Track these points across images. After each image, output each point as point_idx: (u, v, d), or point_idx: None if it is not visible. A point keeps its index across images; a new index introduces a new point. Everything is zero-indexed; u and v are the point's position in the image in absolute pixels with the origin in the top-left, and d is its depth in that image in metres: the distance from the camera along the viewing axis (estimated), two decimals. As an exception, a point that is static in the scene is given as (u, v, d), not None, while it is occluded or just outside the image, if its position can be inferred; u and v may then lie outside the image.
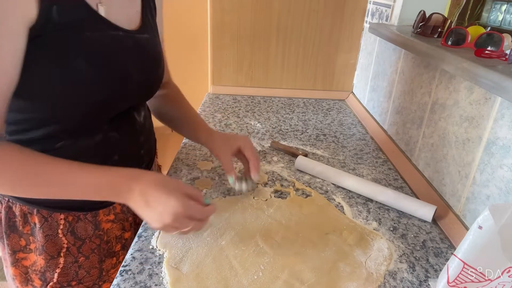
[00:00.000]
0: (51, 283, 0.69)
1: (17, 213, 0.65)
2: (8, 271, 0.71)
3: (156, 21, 0.75)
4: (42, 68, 0.52)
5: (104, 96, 0.59)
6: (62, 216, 0.66)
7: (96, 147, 0.63)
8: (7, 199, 0.64)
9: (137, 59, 0.63)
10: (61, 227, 0.66)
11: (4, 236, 0.67)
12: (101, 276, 0.73)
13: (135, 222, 0.78)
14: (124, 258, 0.73)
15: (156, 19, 0.75)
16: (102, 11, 0.56)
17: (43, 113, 0.57)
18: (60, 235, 0.66)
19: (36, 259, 0.68)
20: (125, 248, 0.75)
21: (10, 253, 0.68)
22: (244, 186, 0.73)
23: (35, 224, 0.65)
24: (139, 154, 0.73)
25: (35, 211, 0.64)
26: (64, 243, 0.67)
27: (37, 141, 0.59)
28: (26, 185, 0.54)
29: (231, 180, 0.73)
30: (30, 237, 0.66)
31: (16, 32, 0.48)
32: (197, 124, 0.83)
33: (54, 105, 0.56)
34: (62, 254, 0.67)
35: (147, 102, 0.77)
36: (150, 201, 0.53)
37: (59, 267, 0.68)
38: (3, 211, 0.65)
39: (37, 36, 0.50)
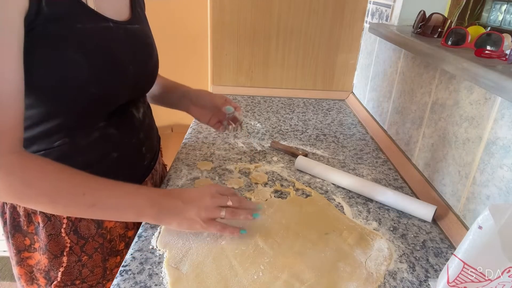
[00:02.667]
0: (55, 282, 0.69)
1: (21, 213, 0.65)
2: (15, 270, 0.71)
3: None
4: (38, 62, 0.52)
5: (100, 87, 0.59)
6: (65, 215, 0.66)
7: (94, 144, 0.63)
8: None
9: (130, 50, 0.64)
10: (64, 226, 0.66)
11: (9, 236, 0.67)
12: (105, 275, 0.73)
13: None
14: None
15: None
16: (91, 4, 0.57)
17: (41, 109, 0.57)
18: (63, 234, 0.66)
19: (40, 258, 0.68)
20: (129, 246, 0.75)
21: (15, 253, 0.68)
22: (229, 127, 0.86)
23: (38, 223, 0.65)
24: (140, 152, 0.73)
25: (38, 211, 0.64)
26: (67, 242, 0.67)
27: (36, 139, 0.59)
28: (67, 204, 0.54)
29: (229, 108, 0.84)
30: (35, 236, 0.67)
31: (17, 24, 0.48)
32: (175, 87, 0.88)
33: (51, 99, 0.56)
34: (65, 253, 0.67)
35: None
36: (186, 200, 0.60)
37: (62, 266, 0.68)
38: (8, 212, 0.65)
39: (30, 29, 0.50)
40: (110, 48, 0.60)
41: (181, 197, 0.60)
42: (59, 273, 0.68)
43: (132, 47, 0.65)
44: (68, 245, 0.67)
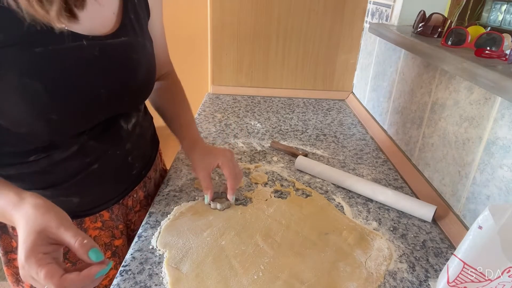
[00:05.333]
0: None
1: None
2: (4, 269, 0.71)
3: (151, 24, 0.71)
4: None
5: (63, 113, 0.54)
6: None
7: (72, 157, 0.60)
8: None
9: (104, 68, 0.58)
10: None
11: None
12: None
13: (129, 228, 0.78)
14: (115, 264, 0.72)
15: (150, 21, 0.71)
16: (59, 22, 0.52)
17: (8, 134, 0.54)
18: None
19: None
20: (116, 255, 0.74)
21: (3, 253, 0.68)
22: (218, 205, 0.72)
23: None
24: (126, 162, 0.69)
25: None
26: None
27: (11, 155, 0.57)
28: None
29: (206, 198, 0.72)
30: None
31: None
32: (183, 129, 0.79)
33: (9, 127, 0.53)
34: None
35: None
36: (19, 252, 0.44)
37: None
38: None
39: None
40: (74, 72, 0.54)
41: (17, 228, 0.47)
42: None
43: (109, 64, 0.59)
44: None
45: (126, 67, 0.62)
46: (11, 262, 0.69)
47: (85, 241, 0.44)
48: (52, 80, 0.52)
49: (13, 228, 0.66)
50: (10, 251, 0.68)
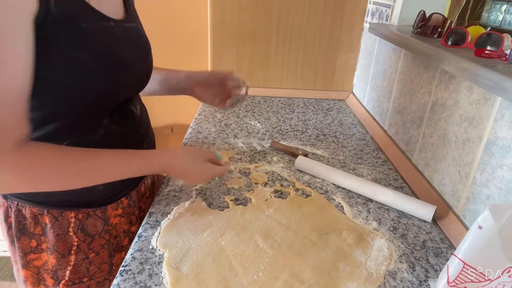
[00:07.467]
0: (63, 281, 0.69)
1: (28, 215, 0.65)
2: (19, 274, 0.70)
3: None
4: (45, 62, 0.52)
5: (105, 85, 0.60)
6: (72, 214, 0.66)
7: (100, 141, 0.64)
8: (16, 202, 0.64)
9: (129, 47, 0.65)
10: (72, 225, 0.66)
11: (15, 240, 0.67)
12: (111, 271, 0.74)
13: (140, 215, 0.79)
14: None
15: None
16: (94, 3, 0.58)
17: (47, 110, 0.58)
18: (71, 233, 0.67)
19: (48, 259, 0.68)
20: (132, 242, 0.75)
21: (22, 256, 0.68)
22: (235, 101, 0.86)
23: (46, 224, 0.65)
24: (141, 146, 0.74)
25: (45, 211, 0.64)
26: (74, 241, 0.68)
27: (43, 140, 0.59)
28: (70, 179, 0.57)
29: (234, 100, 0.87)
30: (42, 237, 0.66)
31: (26, 25, 0.48)
32: (172, 72, 0.88)
33: (57, 99, 0.57)
34: (72, 252, 0.68)
35: None
36: (186, 175, 0.69)
37: (70, 265, 0.68)
38: (13, 215, 0.65)
39: (40, 30, 0.50)
40: (113, 47, 0.61)
41: (182, 174, 0.69)
42: (67, 272, 0.69)
43: (131, 45, 0.66)
44: (76, 243, 0.68)
45: (143, 48, 0.71)
46: (30, 263, 0.68)
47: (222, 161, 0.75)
48: (97, 52, 0.58)
49: (34, 227, 0.66)
50: (30, 251, 0.67)
